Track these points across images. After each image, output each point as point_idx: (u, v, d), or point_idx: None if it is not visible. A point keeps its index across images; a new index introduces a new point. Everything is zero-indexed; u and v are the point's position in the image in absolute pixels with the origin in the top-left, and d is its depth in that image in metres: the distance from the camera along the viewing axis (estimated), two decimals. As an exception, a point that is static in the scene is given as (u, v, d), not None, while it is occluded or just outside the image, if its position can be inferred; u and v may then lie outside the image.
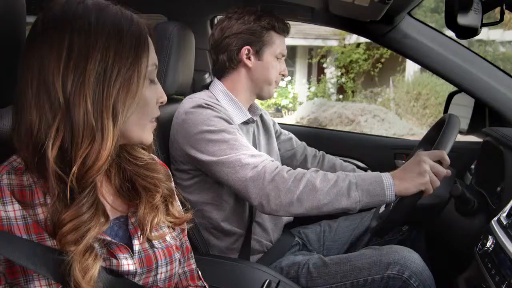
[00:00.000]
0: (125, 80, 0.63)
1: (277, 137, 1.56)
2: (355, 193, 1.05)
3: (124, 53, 0.63)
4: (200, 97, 1.25)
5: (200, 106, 1.19)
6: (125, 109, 0.64)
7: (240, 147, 1.13)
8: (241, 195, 1.14)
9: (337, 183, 1.06)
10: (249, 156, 1.12)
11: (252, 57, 1.29)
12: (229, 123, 1.19)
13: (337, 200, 1.05)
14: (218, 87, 1.32)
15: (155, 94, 0.71)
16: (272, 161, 1.14)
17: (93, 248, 0.64)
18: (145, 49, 0.67)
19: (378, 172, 1.09)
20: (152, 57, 0.69)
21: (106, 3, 0.66)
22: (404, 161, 1.22)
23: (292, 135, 1.59)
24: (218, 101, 1.28)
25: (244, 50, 1.28)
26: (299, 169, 1.11)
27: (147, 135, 0.72)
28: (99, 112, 0.61)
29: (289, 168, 1.12)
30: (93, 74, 0.61)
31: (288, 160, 1.56)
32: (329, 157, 1.57)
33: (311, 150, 1.58)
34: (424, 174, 1.04)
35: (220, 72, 1.34)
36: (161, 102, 0.73)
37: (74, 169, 0.61)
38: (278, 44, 1.31)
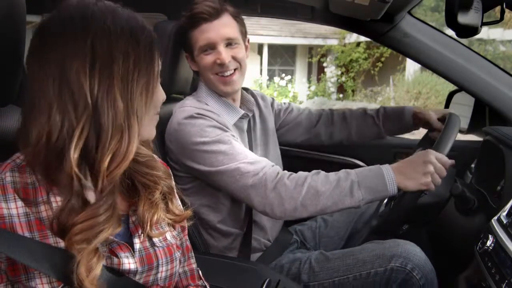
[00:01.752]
0: (144, 81, 0.65)
1: (282, 115, 1.51)
2: (358, 192, 1.05)
3: (142, 56, 0.64)
4: (191, 105, 1.21)
5: (192, 117, 1.16)
6: (146, 108, 0.65)
7: (237, 156, 1.12)
8: (245, 203, 1.15)
9: (339, 184, 1.06)
10: (248, 164, 1.11)
11: (191, 61, 1.29)
12: (224, 130, 1.17)
13: (341, 200, 1.06)
14: (203, 89, 1.29)
15: (162, 93, 0.73)
16: (273, 166, 1.14)
17: (97, 248, 0.64)
18: (156, 51, 0.68)
19: (379, 166, 1.09)
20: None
21: (115, 5, 0.67)
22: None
23: (292, 105, 1.54)
24: (208, 105, 1.25)
25: (186, 57, 1.30)
26: (300, 173, 1.11)
27: (153, 131, 0.73)
28: (126, 111, 0.62)
29: (290, 173, 1.11)
30: (118, 76, 0.62)
31: (295, 131, 1.52)
32: (337, 111, 1.52)
33: (316, 114, 1.52)
34: (428, 176, 1.04)
35: None
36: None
37: (104, 164, 0.61)
38: (197, 39, 1.22)
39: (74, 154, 0.60)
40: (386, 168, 1.07)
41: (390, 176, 1.05)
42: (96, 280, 0.63)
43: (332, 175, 1.09)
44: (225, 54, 1.20)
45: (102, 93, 0.61)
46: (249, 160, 1.12)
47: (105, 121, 0.61)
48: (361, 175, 1.07)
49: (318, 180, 1.08)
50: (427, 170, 1.04)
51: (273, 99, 1.53)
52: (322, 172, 1.11)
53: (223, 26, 1.20)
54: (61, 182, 0.62)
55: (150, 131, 0.72)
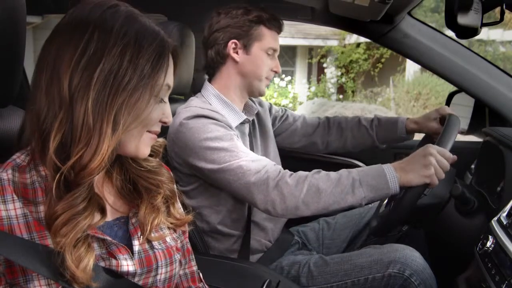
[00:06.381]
0: (134, 91, 0.63)
1: (277, 122, 1.54)
2: (359, 190, 1.06)
3: (140, 65, 0.63)
4: (194, 105, 1.22)
5: (196, 116, 1.17)
6: (128, 120, 0.63)
7: (239, 153, 1.13)
8: (247, 201, 1.15)
9: (340, 182, 1.07)
10: (250, 162, 1.12)
11: (239, 51, 1.26)
12: (226, 128, 1.18)
13: (342, 198, 1.06)
14: (210, 90, 1.30)
15: (160, 112, 0.71)
16: (274, 164, 1.14)
17: (85, 239, 0.64)
18: (164, 67, 0.66)
19: (380, 165, 1.09)
20: (169, 78, 0.69)
21: (138, 13, 0.66)
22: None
23: (288, 112, 1.57)
24: (212, 106, 1.26)
25: (231, 44, 1.26)
26: (300, 172, 1.11)
27: (143, 149, 0.71)
28: (99, 115, 0.61)
29: (291, 172, 1.12)
30: (101, 76, 0.61)
31: (291, 139, 1.55)
32: (333, 120, 1.55)
33: (312, 123, 1.55)
34: (429, 167, 1.04)
35: (211, 69, 1.32)
36: (164, 122, 0.72)
37: (69, 163, 0.61)
38: (268, 39, 1.27)
39: (52, 145, 0.61)
40: (387, 167, 1.08)
41: (392, 174, 1.06)
42: (90, 270, 0.62)
43: (333, 173, 1.10)
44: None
45: (80, 88, 0.61)
46: (251, 158, 1.13)
47: (77, 117, 0.61)
48: (362, 173, 1.08)
49: (319, 178, 1.08)
50: (428, 162, 1.04)
51: (270, 104, 1.56)
52: (323, 171, 1.11)
53: None
54: (49, 171, 0.62)
55: (136, 149, 0.69)
